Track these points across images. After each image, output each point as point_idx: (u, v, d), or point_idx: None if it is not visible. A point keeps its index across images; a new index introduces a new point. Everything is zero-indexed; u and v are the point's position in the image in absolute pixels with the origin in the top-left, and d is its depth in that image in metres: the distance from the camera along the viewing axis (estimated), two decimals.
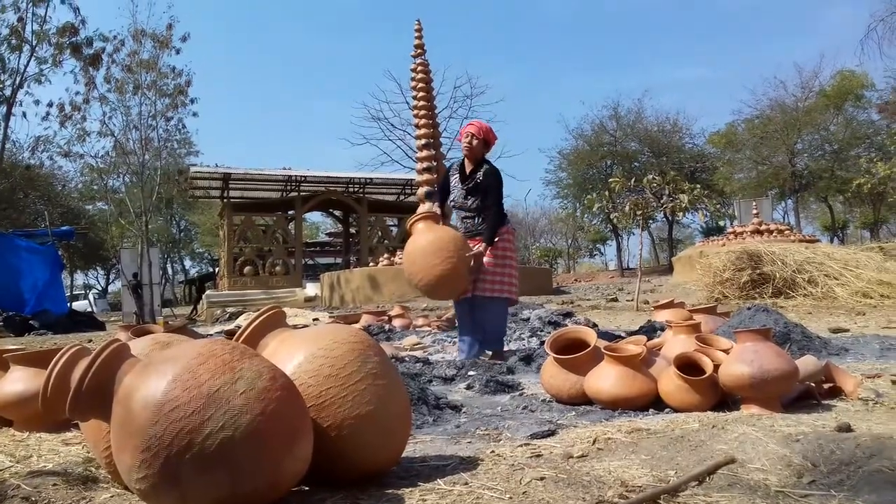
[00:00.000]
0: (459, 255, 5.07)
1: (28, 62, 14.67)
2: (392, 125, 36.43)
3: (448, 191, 5.61)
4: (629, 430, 2.73)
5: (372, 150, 52.03)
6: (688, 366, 3.25)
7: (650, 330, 5.93)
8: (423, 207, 7.04)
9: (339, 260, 30.82)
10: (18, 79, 14.76)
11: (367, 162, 39.88)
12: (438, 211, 5.60)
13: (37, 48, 14.59)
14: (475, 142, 5.38)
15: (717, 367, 3.18)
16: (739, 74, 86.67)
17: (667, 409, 3.25)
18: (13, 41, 14.62)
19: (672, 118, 36.70)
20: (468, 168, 5.44)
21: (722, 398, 3.21)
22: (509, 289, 5.38)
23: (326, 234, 43.93)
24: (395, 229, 26.81)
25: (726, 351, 3.33)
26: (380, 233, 26.07)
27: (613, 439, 2.59)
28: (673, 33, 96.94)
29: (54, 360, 1.98)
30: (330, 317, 10.83)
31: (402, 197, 27.84)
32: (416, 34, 17.15)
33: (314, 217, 45.33)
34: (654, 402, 3.32)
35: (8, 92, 15.07)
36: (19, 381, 3.37)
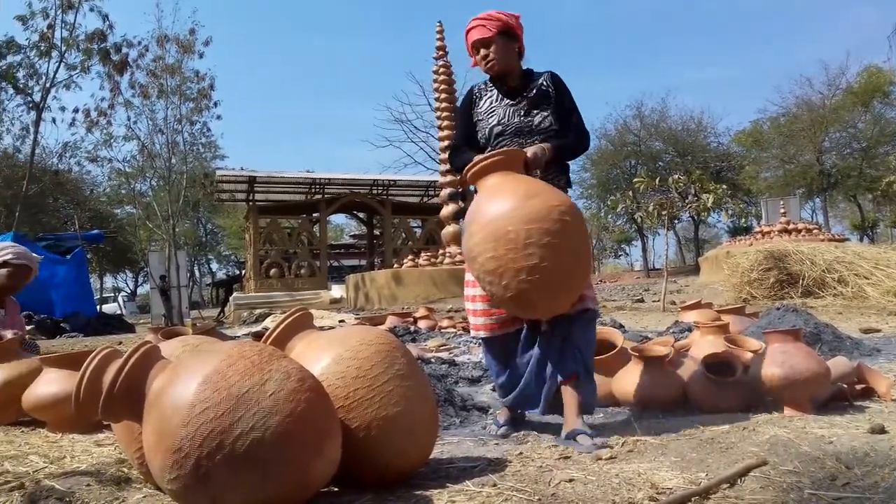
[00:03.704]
0: (581, 231, 2.73)
1: (57, 68, 14.92)
2: (415, 127, 36.53)
3: (472, 128, 3.26)
4: (658, 432, 2.71)
5: (395, 152, 52.61)
6: (717, 367, 3.22)
7: (677, 331, 5.87)
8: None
9: (363, 262, 30.93)
10: (48, 84, 15.00)
11: (391, 164, 40.10)
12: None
13: (66, 54, 14.82)
14: (496, 50, 3.11)
15: (746, 367, 3.15)
16: (764, 73, 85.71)
17: (696, 411, 3.22)
18: (42, 47, 14.86)
19: (696, 117, 36.43)
20: (510, 82, 3.19)
21: (752, 399, 3.17)
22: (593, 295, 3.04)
23: (351, 236, 44.11)
24: (418, 231, 26.89)
25: (756, 352, 3.29)
26: (404, 234, 26.15)
27: (642, 441, 2.57)
28: (695, 32, 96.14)
29: (86, 362, 2.00)
30: (355, 318, 10.86)
31: (425, 199, 27.87)
32: (438, 36, 17.19)
33: (338, 219, 45.57)
34: (682, 404, 3.29)
35: (37, 98, 15.31)
36: (53, 383, 3.43)
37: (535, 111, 3.13)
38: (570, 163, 3.24)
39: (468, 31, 3.13)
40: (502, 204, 2.60)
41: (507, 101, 3.17)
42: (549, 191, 2.69)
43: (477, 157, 2.79)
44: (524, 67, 3.24)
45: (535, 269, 2.49)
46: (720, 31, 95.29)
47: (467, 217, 2.76)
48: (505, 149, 2.88)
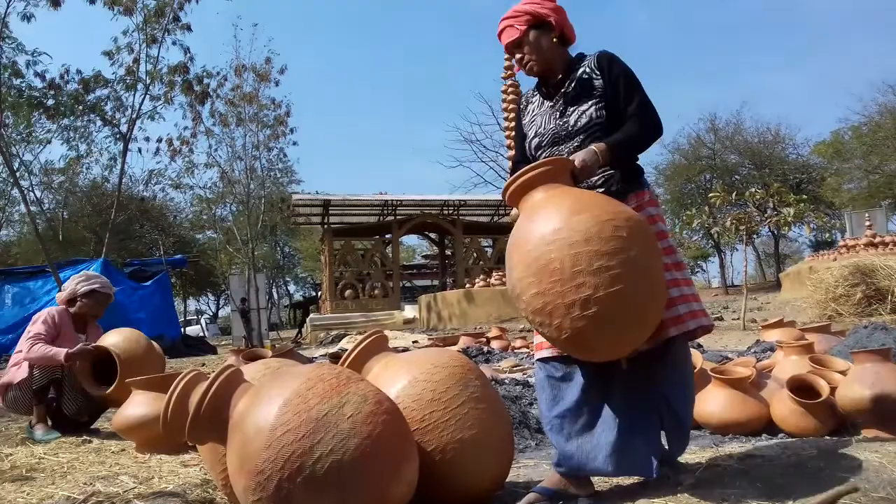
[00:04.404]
0: (647, 245, 2.15)
1: (142, 100, 15.64)
2: (484, 147, 36.62)
3: (524, 149, 2.77)
4: (742, 456, 2.63)
5: (465, 172, 52.27)
6: (802, 388, 3.11)
7: (759, 351, 5.69)
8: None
9: (435, 282, 31.09)
10: (134, 116, 15.73)
11: (461, 184, 40.24)
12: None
13: (150, 87, 15.53)
14: (530, 49, 2.61)
15: (833, 389, 3.03)
16: (843, 80, 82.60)
17: (780, 434, 3.11)
18: (128, 81, 15.61)
19: (773, 128, 35.34)
20: (554, 80, 2.65)
21: (840, 422, 3.05)
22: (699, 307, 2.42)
23: (423, 256, 44.42)
24: (489, 250, 26.87)
25: (843, 372, 3.17)
26: (475, 254, 26.17)
27: (725, 466, 2.50)
28: (769, 41, 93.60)
29: (173, 385, 2.08)
30: (428, 339, 10.93)
31: (496, 218, 27.85)
32: (506, 56, 17.22)
33: (410, 240, 45.99)
34: (766, 427, 3.19)
35: (124, 129, 16.08)
36: (141, 405, 3.58)
37: (572, 108, 2.55)
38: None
39: (499, 36, 2.69)
40: (542, 226, 2.10)
41: (546, 104, 2.66)
42: (600, 202, 2.16)
43: (523, 170, 2.28)
44: (574, 54, 2.67)
45: (589, 301, 1.98)
46: (795, 39, 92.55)
47: (508, 247, 2.25)
48: (546, 159, 2.33)
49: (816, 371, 3.23)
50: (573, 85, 2.56)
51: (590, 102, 2.49)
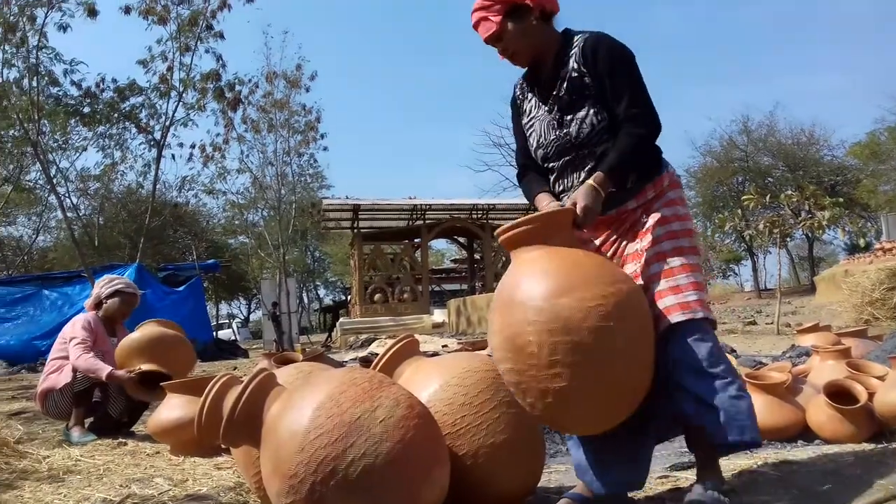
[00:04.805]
0: (642, 329, 2.00)
1: (176, 107, 15.88)
2: (513, 150, 36.56)
3: (527, 148, 2.50)
4: (777, 463, 2.59)
5: (494, 175, 52.23)
6: (838, 394, 3.06)
7: (794, 355, 5.61)
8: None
9: (464, 286, 31.07)
10: (167, 123, 15.98)
11: (490, 188, 40.15)
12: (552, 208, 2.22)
13: (183, 94, 15.75)
14: (510, 40, 2.32)
15: (871, 395, 2.98)
16: (880, 79, 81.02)
17: (817, 441, 3.06)
18: (162, 88, 15.86)
19: (808, 130, 34.79)
20: (544, 71, 2.38)
21: (878, 429, 2.99)
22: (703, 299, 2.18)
23: (452, 260, 44.38)
24: None
25: (881, 378, 3.10)
26: (504, 258, 26.14)
27: (760, 473, 2.47)
28: (802, 40, 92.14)
29: (207, 389, 2.11)
30: (458, 343, 10.93)
31: None
32: None
33: (439, 244, 45.99)
34: (802, 433, 3.14)
35: (158, 136, 16.33)
36: (176, 409, 3.62)
37: (569, 116, 2.28)
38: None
39: (475, 28, 2.35)
40: (524, 300, 1.91)
41: (543, 108, 2.37)
42: (592, 276, 1.93)
43: (506, 225, 2.07)
44: (562, 32, 2.35)
45: (564, 392, 1.85)
46: (827, 38, 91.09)
47: (493, 299, 2.08)
48: (542, 212, 2.12)
49: (853, 376, 3.17)
50: (564, 87, 2.29)
51: (586, 107, 2.25)
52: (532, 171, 2.46)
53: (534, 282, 1.94)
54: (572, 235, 2.10)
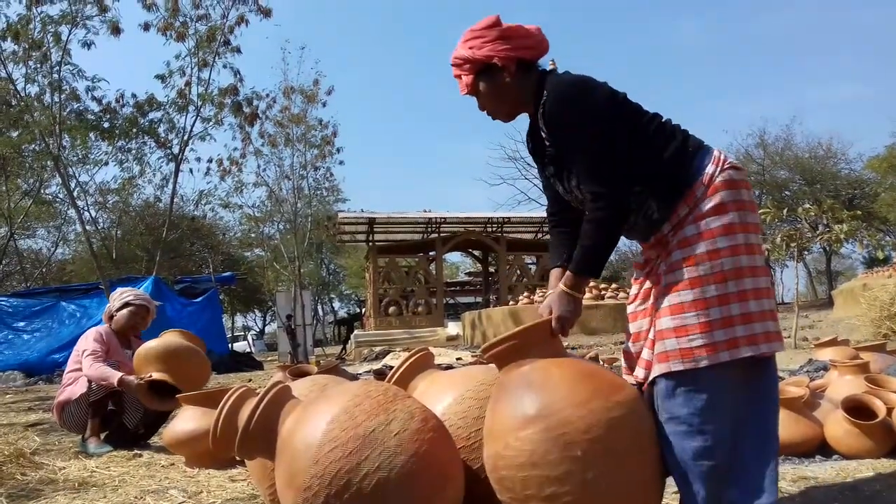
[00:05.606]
0: (622, 456, 1.84)
1: (194, 122, 16.02)
2: (528, 164, 36.51)
3: (556, 194, 2.31)
4: (794, 479, 2.56)
5: (509, 189, 52.35)
6: (857, 409, 3.02)
7: (812, 370, 5.54)
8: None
9: (479, 299, 31.05)
10: (185, 137, 16.11)
11: (504, 202, 40.15)
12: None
13: (201, 109, 15.88)
14: (487, 100, 2.20)
15: (890, 410, 2.94)
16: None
17: (835, 456, 3.03)
18: (180, 103, 16.00)
19: (825, 143, 34.59)
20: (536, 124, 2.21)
21: None
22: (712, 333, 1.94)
23: (466, 273, 44.40)
24: (533, 267, 26.79)
25: None
26: (518, 271, 26.10)
27: (778, 489, 2.44)
28: (818, 53, 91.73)
29: (223, 401, 2.11)
30: (472, 356, 10.90)
31: (539, 235, 27.75)
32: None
33: (454, 257, 46.01)
34: (820, 448, 3.11)
35: (176, 150, 16.47)
36: (191, 420, 3.63)
37: (564, 178, 2.15)
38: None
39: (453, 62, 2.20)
40: (498, 433, 1.90)
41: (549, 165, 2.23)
42: (562, 398, 1.84)
43: (489, 342, 2.01)
44: (537, 80, 2.15)
45: None
46: (846, 48, 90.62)
47: (486, 415, 2.03)
48: (519, 329, 2.00)
49: (872, 391, 3.14)
50: (547, 150, 2.17)
51: (571, 176, 2.09)
52: (558, 228, 2.34)
53: (506, 413, 1.90)
54: (555, 344, 2.04)
